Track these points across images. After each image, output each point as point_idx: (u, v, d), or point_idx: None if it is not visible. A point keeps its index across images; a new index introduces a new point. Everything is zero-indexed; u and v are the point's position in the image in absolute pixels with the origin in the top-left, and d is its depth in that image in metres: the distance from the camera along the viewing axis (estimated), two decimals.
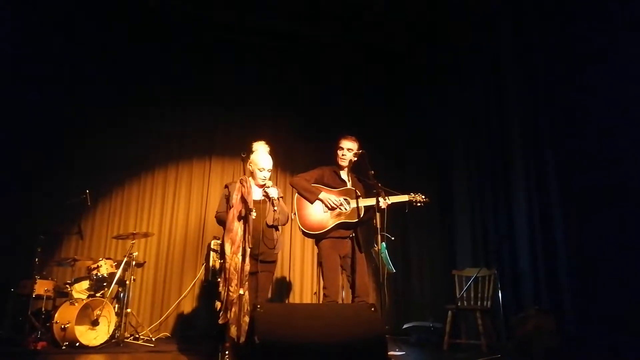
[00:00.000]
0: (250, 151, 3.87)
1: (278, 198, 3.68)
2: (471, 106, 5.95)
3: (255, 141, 3.94)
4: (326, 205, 3.78)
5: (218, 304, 3.45)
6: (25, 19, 5.63)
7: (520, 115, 5.06)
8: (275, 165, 6.64)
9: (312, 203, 3.81)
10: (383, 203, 3.60)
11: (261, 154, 3.81)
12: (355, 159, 3.95)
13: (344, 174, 3.98)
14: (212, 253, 5.47)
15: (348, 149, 3.94)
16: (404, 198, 3.86)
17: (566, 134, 4.42)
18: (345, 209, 3.77)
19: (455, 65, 6.36)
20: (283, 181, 6.80)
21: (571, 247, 4.25)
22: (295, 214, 3.85)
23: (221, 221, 3.76)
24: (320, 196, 3.79)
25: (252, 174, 3.81)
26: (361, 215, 3.74)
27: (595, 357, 3.84)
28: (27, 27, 5.67)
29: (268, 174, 3.78)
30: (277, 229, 3.79)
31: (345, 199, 3.80)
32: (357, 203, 3.75)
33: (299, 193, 3.88)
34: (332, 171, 3.98)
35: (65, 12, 6.01)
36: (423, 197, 3.92)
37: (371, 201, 3.70)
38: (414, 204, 3.90)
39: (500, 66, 5.45)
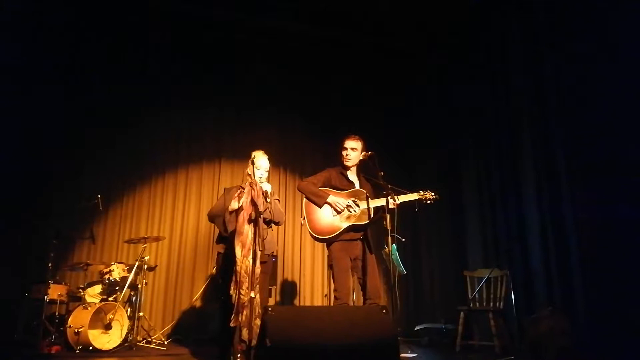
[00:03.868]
0: (250, 159, 3.98)
1: (271, 195, 3.78)
2: (480, 105, 5.91)
3: (255, 150, 4.04)
4: (334, 209, 3.76)
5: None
6: (31, 23, 5.68)
7: (529, 114, 5.02)
8: (283, 166, 6.81)
9: (320, 207, 3.78)
10: (392, 203, 3.57)
11: (259, 156, 3.95)
12: (362, 158, 3.91)
13: (351, 175, 3.95)
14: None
15: (352, 149, 3.91)
16: (413, 197, 3.81)
17: (577, 130, 4.37)
18: (355, 211, 3.75)
19: (463, 65, 6.33)
20: (292, 183, 6.83)
21: (584, 247, 4.20)
22: (304, 218, 3.83)
23: (211, 216, 4.11)
24: (328, 200, 3.76)
25: (250, 176, 3.92)
26: (371, 216, 3.71)
27: (609, 358, 3.79)
28: (32, 31, 5.73)
29: (265, 173, 3.92)
30: (269, 226, 3.84)
31: (354, 201, 3.77)
32: (368, 204, 3.72)
33: (307, 198, 3.85)
34: (339, 172, 3.95)
35: (69, 14, 6.07)
36: (433, 194, 3.85)
37: (380, 201, 3.69)
38: (424, 202, 3.84)
39: (508, 64, 5.41)
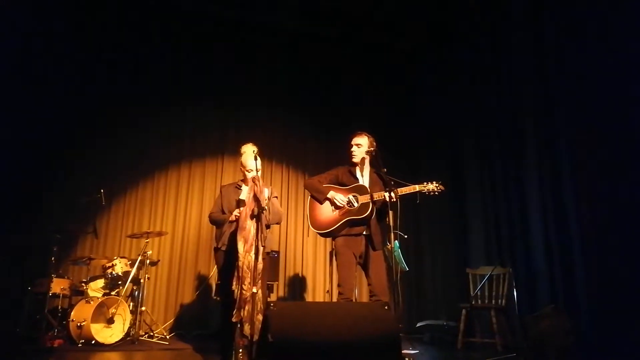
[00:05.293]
0: (239, 153, 4.03)
1: (269, 198, 3.76)
2: (483, 102, 5.89)
3: (245, 144, 4.03)
4: (333, 204, 3.81)
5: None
6: (34, 19, 5.69)
7: (533, 112, 5.01)
8: (286, 164, 6.81)
9: (321, 203, 3.87)
10: (393, 196, 3.56)
11: (248, 156, 3.89)
12: (367, 155, 3.92)
13: (359, 171, 3.97)
14: None
15: (357, 145, 3.93)
16: (414, 189, 3.76)
17: (582, 127, 4.35)
18: (354, 206, 3.77)
19: (465, 62, 6.31)
20: (295, 180, 6.84)
21: (587, 244, 4.19)
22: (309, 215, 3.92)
23: (214, 221, 4.07)
24: (328, 195, 3.83)
25: (244, 176, 3.97)
26: (369, 211, 3.71)
27: (611, 358, 3.79)
28: (36, 28, 5.73)
29: (255, 174, 3.79)
30: (267, 228, 3.85)
31: (354, 196, 3.79)
32: (372, 198, 3.72)
33: (310, 195, 3.95)
34: (347, 170, 3.99)
35: (70, 13, 6.08)
36: (436, 185, 3.75)
37: (379, 195, 3.70)
38: (428, 193, 3.76)
39: (512, 60, 5.39)
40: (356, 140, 3.96)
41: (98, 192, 5.22)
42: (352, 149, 3.95)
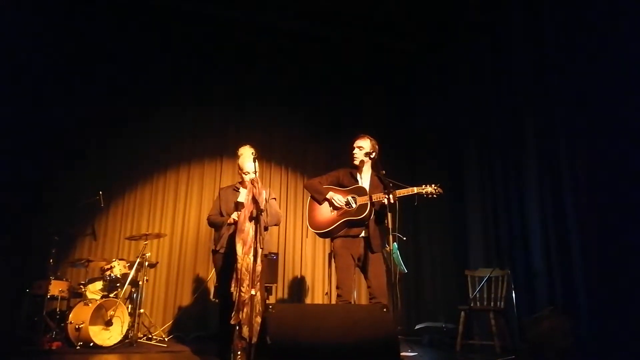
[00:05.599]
0: (237, 155, 4.06)
1: (267, 199, 3.77)
2: (483, 104, 5.88)
3: (242, 146, 4.07)
4: (331, 205, 3.82)
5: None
6: (34, 18, 5.68)
7: (533, 112, 5.00)
8: (285, 165, 6.80)
9: (320, 204, 3.88)
10: (391, 199, 3.54)
11: (245, 159, 3.93)
12: (368, 158, 3.90)
13: (359, 174, 3.96)
14: None
15: (358, 147, 3.93)
16: (412, 191, 3.71)
17: (582, 128, 4.34)
18: (352, 207, 3.76)
19: (465, 62, 6.30)
20: (294, 181, 6.83)
21: (586, 246, 4.18)
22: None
23: (212, 224, 4.11)
24: (327, 196, 3.84)
25: (241, 178, 4.00)
26: (367, 212, 3.69)
27: (611, 359, 3.77)
28: (36, 28, 5.72)
29: (253, 176, 3.82)
30: (265, 229, 3.84)
31: (352, 197, 3.79)
32: (370, 200, 3.71)
33: (310, 195, 3.96)
34: (349, 172, 3.99)
35: (73, 12, 6.07)
36: (434, 187, 3.70)
37: (377, 197, 3.69)
38: (426, 196, 3.72)
39: (512, 60, 5.38)
40: (358, 142, 3.95)
41: (97, 194, 5.20)
42: (354, 151, 3.95)
